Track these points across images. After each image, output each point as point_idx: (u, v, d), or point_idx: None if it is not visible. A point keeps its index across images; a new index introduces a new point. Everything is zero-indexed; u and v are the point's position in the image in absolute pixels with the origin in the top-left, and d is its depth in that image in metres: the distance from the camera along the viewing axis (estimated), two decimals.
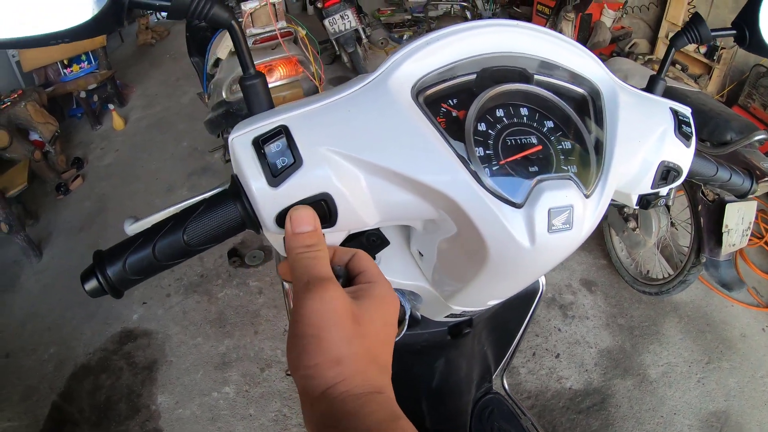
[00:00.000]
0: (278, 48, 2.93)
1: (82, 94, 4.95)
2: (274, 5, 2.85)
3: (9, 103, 4.04)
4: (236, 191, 0.56)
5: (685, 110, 0.74)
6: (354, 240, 0.73)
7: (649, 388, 2.51)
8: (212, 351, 2.76)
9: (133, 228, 0.61)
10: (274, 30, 2.88)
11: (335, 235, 0.61)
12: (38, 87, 4.67)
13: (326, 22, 4.66)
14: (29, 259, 3.55)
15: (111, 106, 5.16)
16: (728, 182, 0.89)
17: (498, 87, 0.59)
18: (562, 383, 2.52)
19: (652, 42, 4.87)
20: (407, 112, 0.54)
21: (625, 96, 0.66)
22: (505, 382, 1.45)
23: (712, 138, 2.19)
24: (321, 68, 3.18)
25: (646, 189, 0.71)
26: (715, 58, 4.18)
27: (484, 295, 0.74)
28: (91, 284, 0.56)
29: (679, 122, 0.71)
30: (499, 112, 0.59)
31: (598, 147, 0.61)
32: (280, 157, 0.52)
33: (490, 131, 0.58)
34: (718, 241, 2.29)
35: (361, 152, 0.53)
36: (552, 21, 3.85)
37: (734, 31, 0.82)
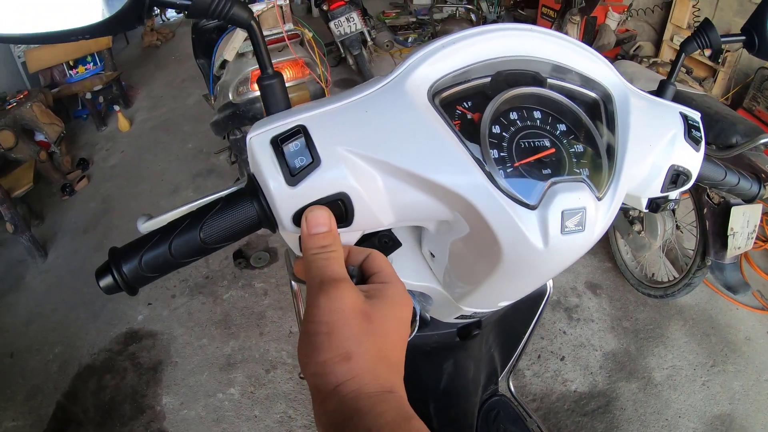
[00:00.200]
0: (285, 50, 2.93)
1: (88, 96, 4.98)
2: (281, 7, 2.85)
3: (15, 104, 4.07)
4: (253, 190, 0.56)
5: (695, 115, 0.74)
6: (367, 241, 0.74)
7: (653, 391, 2.50)
8: (217, 352, 2.76)
9: (146, 226, 0.62)
10: (282, 32, 2.88)
11: (350, 235, 0.62)
12: (44, 88, 4.71)
13: (332, 24, 4.68)
14: (34, 259, 3.57)
15: (116, 108, 5.19)
16: (736, 186, 0.89)
17: (512, 90, 0.59)
18: (567, 386, 2.51)
19: (657, 45, 4.88)
20: (424, 114, 0.55)
21: (636, 100, 0.66)
22: (510, 384, 1.45)
23: (717, 141, 2.19)
24: (327, 70, 3.18)
25: (656, 192, 0.71)
26: (719, 60, 4.17)
27: (495, 296, 0.74)
28: (106, 281, 0.56)
29: (689, 127, 0.71)
30: (513, 115, 0.60)
31: (610, 150, 0.61)
32: (299, 157, 0.52)
33: (504, 134, 0.58)
34: (724, 244, 2.29)
35: (379, 153, 0.53)
36: (557, 24, 3.85)
37: (743, 37, 0.83)
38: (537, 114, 0.62)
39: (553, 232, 0.54)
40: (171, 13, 8.08)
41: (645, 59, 4.49)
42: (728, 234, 2.25)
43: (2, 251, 3.74)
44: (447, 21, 6.08)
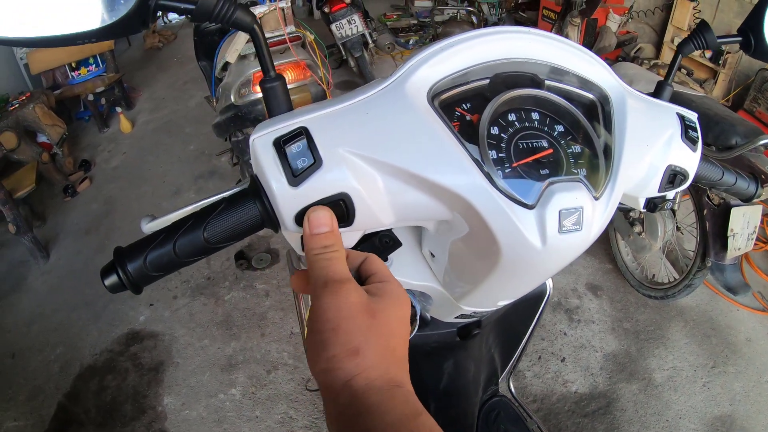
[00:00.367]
0: (287, 52, 2.94)
1: (90, 97, 4.99)
2: (283, 10, 2.86)
3: (17, 106, 4.07)
4: (256, 190, 0.57)
5: (692, 115, 0.75)
6: (367, 241, 0.75)
7: (654, 392, 2.50)
8: (219, 353, 2.77)
9: (150, 226, 0.62)
10: (283, 35, 2.89)
11: (351, 235, 0.63)
12: (46, 89, 4.71)
13: (333, 26, 4.69)
14: (36, 260, 3.57)
15: (118, 109, 5.20)
16: (734, 186, 0.90)
17: (510, 92, 0.60)
18: (568, 387, 2.52)
19: (658, 46, 4.88)
20: (423, 116, 0.55)
21: (633, 101, 0.67)
22: (511, 385, 1.46)
23: (717, 142, 2.19)
24: (329, 73, 3.19)
25: (653, 192, 0.72)
26: (720, 62, 4.18)
27: (494, 295, 0.75)
28: (111, 279, 0.57)
29: (686, 127, 0.72)
30: (512, 116, 0.61)
31: (607, 151, 0.62)
32: (301, 158, 0.53)
33: (502, 135, 0.59)
34: (724, 245, 2.29)
35: (379, 153, 0.54)
36: (558, 26, 3.86)
37: (740, 38, 0.84)
38: (535, 115, 0.62)
39: (550, 231, 0.55)
40: (173, 15, 8.09)
41: (646, 61, 4.49)
42: (728, 235, 2.25)
43: (4, 252, 3.74)
44: (448, 23, 6.09)
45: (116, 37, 0.54)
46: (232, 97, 2.95)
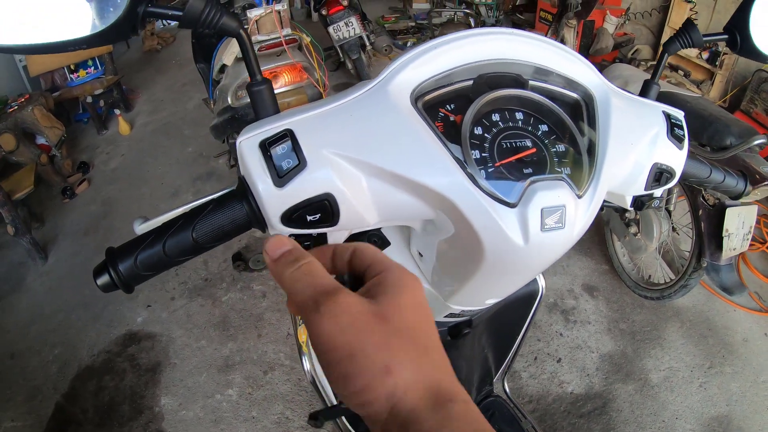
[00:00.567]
0: (283, 55, 2.96)
1: (89, 99, 4.99)
2: (279, 13, 2.87)
3: (16, 108, 4.07)
4: (243, 191, 0.58)
5: (678, 113, 0.76)
6: (356, 241, 0.75)
7: (650, 392, 2.50)
8: (216, 354, 2.77)
9: (142, 228, 0.64)
10: (280, 37, 2.90)
11: (337, 235, 0.64)
12: (45, 92, 4.72)
13: (331, 29, 4.69)
14: (35, 262, 3.58)
15: (117, 111, 5.21)
16: (722, 184, 0.91)
17: (493, 92, 0.61)
18: (564, 387, 2.52)
19: (655, 48, 4.87)
20: (406, 117, 0.56)
21: (617, 100, 0.68)
22: (506, 385, 1.45)
23: (712, 142, 2.20)
24: (325, 75, 3.20)
25: (640, 190, 0.72)
26: (717, 63, 4.18)
27: (481, 293, 0.75)
28: (103, 279, 0.59)
29: (672, 125, 0.72)
30: (495, 117, 0.62)
31: (591, 149, 0.62)
32: (286, 159, 0.54)
33: (486, 135, 0.60)
34: (719, 246, 2.29)
35: (362, 154, 0.55)
36: (554, 27, 3.86)
37: (726, 36, 0.84)
38: (519, 115, 0.63)
39: (533, 229, 0.56)
40: None
41: (643, 62, 4.49)
42: (723, 235, 2.25)
43: (3, 253, 3.75)
44: (446, 25, 6.09)
45: (107, 43, 0.56)
46: (229, 99, 2.96)
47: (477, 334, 1.14)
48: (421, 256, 0.78)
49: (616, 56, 4.81)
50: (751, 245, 3.19)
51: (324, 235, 0.63)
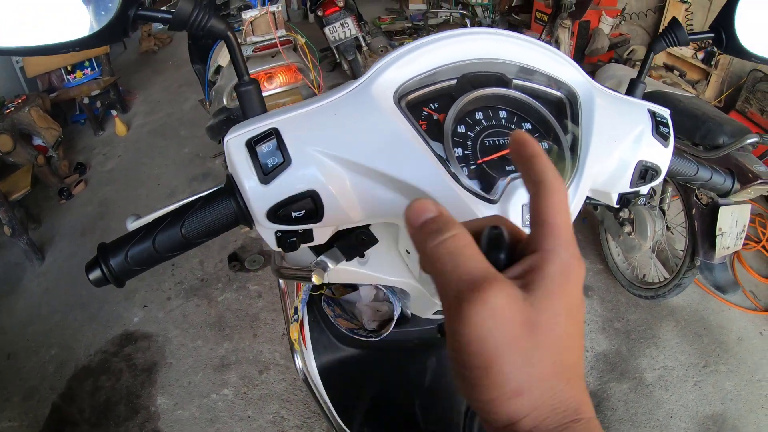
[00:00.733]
0: (278, 56, 2.96)
1: (86, 100, 5.01)
2: (273, 14, 2.88)
3: (13, 109, 4.09)
4: (231, 189, 0.60)
5: (664, 112, 0.76)
6: (343, 238, 0.76)
7: (645, 391, 2.51)
8: (211, 354, 2.78)
9: (134, 225, 0.65)
10: (274, 38, 2.91)
11: (323, 230, 0.64)
12: (42, 93, 4.73)
13: (326, 30, 4.70)
14: (32, 262, 3.59)
15: (114, 112, 5.22)
16: (709, 181, 0.91)
17: (476, 91, 0.62)
18: None
19: None
20: (389, 115, 0.57)
21: (601, 99, 0.68)
22: None
23: (704, 141, 2.20)
24: (320, 76, 3.21)
25: (625, 188, 0.73)
26: (712, 63, 4.19)
27: None
28: (95, 274, 0.60)
29: (657, 123, 0.73)
30: (479, 115, 0.63)
31: (574, 147, 0.63)
32: (271, 157, 0.55)
33: (469, 133, 0.61)
34: (712, 244, 2.29)
35: (345, 152, 0.56)
36: (548, 28, 3.87)
37: (712, 34, 0.85)
38: (502, 113, 0.64)
39: None
40: None
41: (638, 63, 4.50)
42: (716, 234, 2.26)
43: (0, 254, 3.75)
44: (441, 26, 6.10)
45: (99, 45, 0.57)
46: (224, 100, 2.96)
47: None
48: (408, 253, 0.79)
49: (611, 57, 4.82)
50: (746, 244, 3.21)
51: (310, 232, 0.63)
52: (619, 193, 0.75)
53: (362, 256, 0.84)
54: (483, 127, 0.62)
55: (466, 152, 0.59)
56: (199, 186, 4.20)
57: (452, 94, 0.62)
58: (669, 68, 4.59)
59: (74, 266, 3.52)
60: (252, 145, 0.56)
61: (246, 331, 2.89)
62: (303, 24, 7.39)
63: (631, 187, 0.73)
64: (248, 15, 2.88)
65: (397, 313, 0.95)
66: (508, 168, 0.59)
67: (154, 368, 2.75)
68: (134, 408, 2.56)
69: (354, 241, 0.77)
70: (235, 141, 0.57)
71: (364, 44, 4.94)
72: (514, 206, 0.56)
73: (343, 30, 4.68)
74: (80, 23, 0.54)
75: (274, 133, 0.56)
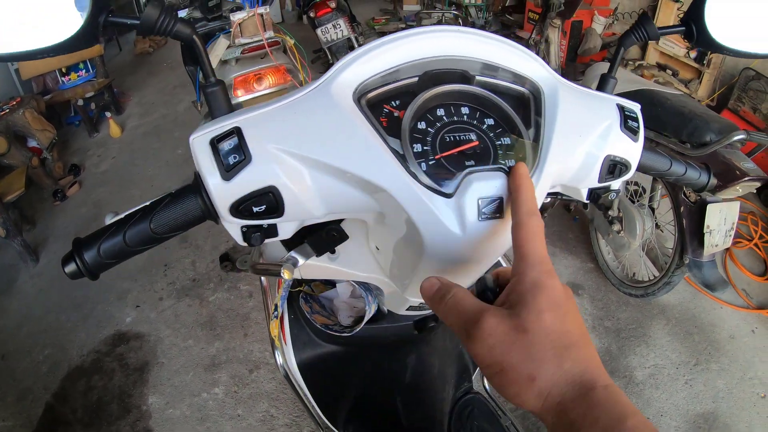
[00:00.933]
0: (267, 57, 2.97)
1: (80, 102, 5.01)
2: (261, 16, 2.89)
3: (7, 111, 4.10)
4: (197, 186, 0.61)
5: (634, 106, 0.76)
6: (314, 234, 0.77)
7: (635, 390, 2.51)
8: (202, 353, 2.79)
9: (112, 222, 0.66)
10: (262, 40, 2.92)
11: (287, 225, 0.65)
12: (36, 95, 4.74)
13: (319, 31, 4.71)
14: (26, 264, 3.59)
15: (108, 114, 5.23)
16: (684, 176, 0.90)
17: (436, 88, 0.63)
18: None
19: (643, 48, 4.90)
20: (348, 113, 0.58)
21: (567, 93, 0.68)
22: (485, 382, 1.46)
23: (692, 139, 2.21)
24: (309, 77, 3.22)
25: (594, 183, 0.72)
26: (705, 62, 4.20)
27: None
28: (70, 267, 0.62)
29: (626, 117, 0.72)
30: (440, 112, 0.63)
31: (536, 142, 0.64)
32: (232, 155, 0.56)
33: (429, 129, 0.61)
34: (701, 242, 2.30)
35: (304, 150, 0.57)
36: (539, 27, 3.88)
37: (682, 28, 0.85)
38: (465, 110, 0.65)
39: (469, 219, 0.56)
40: None
41: (631, 62, 4.52)
42: (705, 231, 2.26)
43: None
44: None
45: (72, 51, 0.58)
46: None
47: (447, 329, 1.15)
48: (378, 249, 0.80)
49: (604, 56, 4.83)
50: (738, 242, 3.22)
51: (274, 227, 0.64)
52: (589, 189, 0.75)
53: (333, 252, 0.85)
54: (444, 124, 0.62)
55: (425, 148, 0.59)
56: None
57: (414, 91, 0.63)
58: (662, 67, 4.61)
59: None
60: (215, 143, 0.57)
61: (237, 330, 2.90)
62: (298, 25, 7.41)
63: (600, 182, 0.72)
64: (236, 17, 2.89)
65: (369, 309, 0.96)
66: (467, 163, 0.60)
67: (146, 368, 2.76)
68: (126, 407, 2.57)
69: (324, 237, 0.78)
70: (200, 140, 0.59)
71: (356, 45, 4.93)
72: (470, 200, 0.56)
73: (335, 31, 4.69)
74: (50, 31, 0.55)
75: (235, 132, 0.57)
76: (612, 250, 2.98)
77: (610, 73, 0.85)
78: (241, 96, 2.94)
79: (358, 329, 0.98)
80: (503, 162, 0.61)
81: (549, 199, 0.89)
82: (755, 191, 3.60)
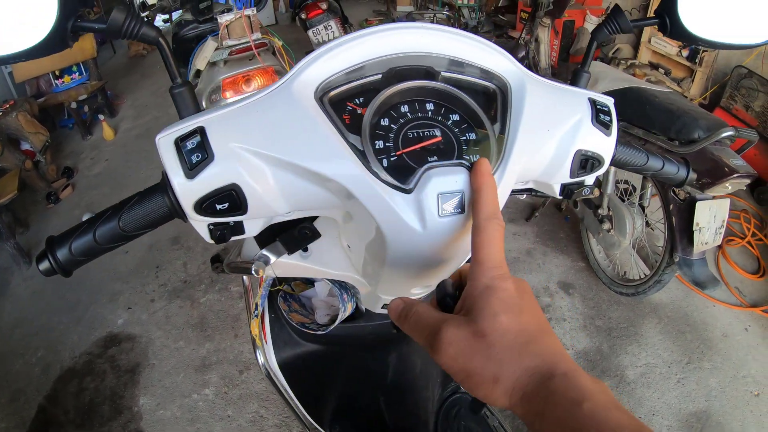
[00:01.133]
0: (256, 59, 2.98)
1: (73, 105, 5.03)
2: (249, 18, 2.90)
3: (0, 114, 4.09)
4: (164, 185, 0.62)
5: (606, 100, 0.75)
6: (286, 232, 0.78)
7: (626, 389, 2.50)
8: (193, 354, 2.79)
9: None
10: (249, 41, 2.93)
11: (253, 223, 0.65)
12: (30, 97, 4.75)
13: (310, 32, 4.70)
14: (19, 266, 3.60)
15: (101, 117, 5.24)
16: (661, 171, 0.89)
17: (399, 84, 0.63)
18: None
19: (636, 47, 4.91)
20: (307, 111, 0.58)
21: (535, 88, 0.68)
22: None
23: (680, 136, 2.20)
24: None
25: (566, 178, 0.71)
26: (697, 60, 4.21)
27: (402, 283, 0.75)
28: (44, 265, 0.64)
29: (597, 111, 0.71)
30: (404, 108, 0.63)
31: (502, 137, 0.63)
32: (195, 153, 0.57)
33: (392, 125, 0.61)
34: (690, 240, 2.30)
35: (264, 147, 0.57)
36: (528, 27, 3.88)
37: (656, 20, 0.84)
38: (429, 106, 0.64)
39: (429, 214, 0.56)
40: (158, 23, 8.08)
41: (623, 61, 4.52)
42: (694, 229, 2.26)
43: None
44: None
45: (43, 55, 0.60)
46: (203, 104, 2.97)
47: None
48: (349, 247, 0.80)
49: (597, 56, 4.83)
50: (731, 240, 3.22)
51: (240, 224, 0.65)
52: (561, 184, 0.74)
53: (306, 250, 0.85)
54: (408, 120, 0.62)
55: (387, 144, 0.59)
56: None
57: (378, 88, 0.63)
58: (654, 66, 4.61)
59: None
60: (179, 142, 0.58)
61: (227, 331, 2.90)
62: (291, 27, 7.42)
63: (572, 177, 0.71)
64: (224, 19, 2.91)
65: (344, 308, 0.96)
66: (431, 159, 0.59)
67: (137, 369, 2.76)
68: (117, 408, 2.57)
69: (297, 236, 0.78)
70: (165, 140, 0.59)
71: None
72: (429, 195, 0.56)
73: (326, 32, 4.68)
74: (19, 36, 0.56)
75: (198, 131, 0.58)
76: (603, 248, 2.98)
77: (583, 68, 0.85)
78: (230, 98, 2.93)
79: (331, 327, 0.98)
80: (467, 157, 0.61)
81: (525, 196, 0.90)
82: (748, 189, 3.63)
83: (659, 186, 2.47)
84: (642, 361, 2.64)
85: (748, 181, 2.11)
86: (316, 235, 0.78)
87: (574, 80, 0.84)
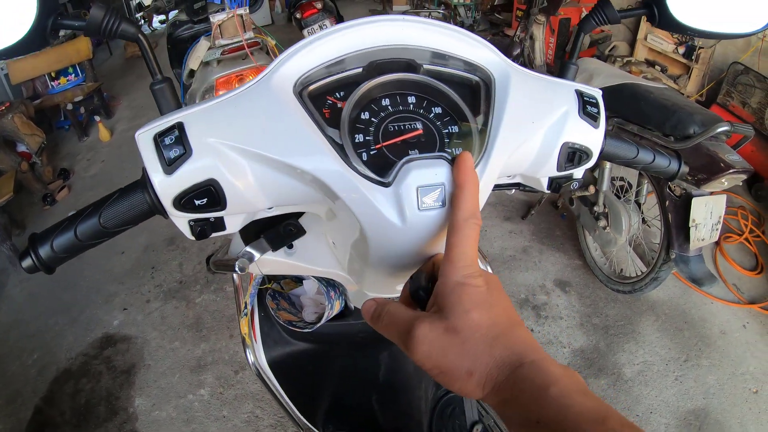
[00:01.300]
0: (249, 58, 2.98)
1: (69, 106, 5.03)
2: (241, 17, 2.90)
3: None
4: (144, 181, 0.61)
5: (594, 92, 0.73)
6: (272, 229, 0.77)
7: (624, 387, 2.49)
8: (189, 355, 2.79)
9: None
10: (242, 41, 2.93)
11: (233, 218, 0.65)
12: (25, 99, 4.75)
13: (305, 32, 4.69)
14: (15, 268, 3.59)
15: (97, 118, 5.25)
16: (652, 164, 0.88)
17: (379, 78, 0.62)
18: None
19: (632, 44, 4.90)
20: (285, 105, 0.58)
21: (520, 80, 0.67)
22: None
23: (675, 132, 2.19)
24: None
25: (553, 171, 0.70)
26: (693, 57, 4.20)
27: (386, 279, 0.74)
28: (27, 262, 0.64)
29: (585, 103, 0.70)
30: (385, 102, 0.62)
31: (485, 129, 0.62)
32: (173, 149, 0.56)
33: (372, 119, 0.60)
34: (687, 237, 2.29)
35: (243, 142, 0.57)
36: (523, 24, 3.88)
37: (644, 10, 0.84)
38: (411, 99, 0.63)
39: (409, 208, 0.55)
40: (155, 24, 8.09)
41: (620, 58, 4.52)
42: (690, 225, 2.25)
43: None
44: None
45: (24, 53, 0.61)
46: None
47: None
48: (335, 245, 0.79)
49: (593, 53, 4.83)
50: (728, 237, 3.21)
51: (221, 220, 0.64)
52: (549, 177, 0.73)
53: (291, 247, 0.85)
54: (388, 113, 0.61)
55: (367, 138, 0.59)
56: None
57: (358, 81, 0.62)
58: (650, 63, 4.61)
59: (57, 271, 3.49)
60: (157, 138, 0.57)
61: (223, 332, 2.90)
62: (288, 27, 7.43)
63: (559, 170, 0.70)
64: (216, 18, 2.91)
65: (331, 305, 0.95)
66: (411, 152, 0.59)
67: (133, 370, 2.76)
68: (113, 409, 2.57)
69: (281, 232, 0.77)
70: (144, 136, 0.58)
71: None
72: (408, 188, 0.55)
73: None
74: (3, 35, 0.57)
75: (177, 127, 0.57)
76: (599, 246, 2.97)
77: (570, 60, 0.84)
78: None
79: (318, 325, 0.98)
80: (449, 150, 0.60)
81: (513, 191, 0.89)
82: (745, 186, 3.62)
83: (655, 182, 2.46)
84: (639, 358, 2.63)
85: (744, 176, 2.10)
86: (301, 231, 0.77)
87: (561, 72, 0.83)
